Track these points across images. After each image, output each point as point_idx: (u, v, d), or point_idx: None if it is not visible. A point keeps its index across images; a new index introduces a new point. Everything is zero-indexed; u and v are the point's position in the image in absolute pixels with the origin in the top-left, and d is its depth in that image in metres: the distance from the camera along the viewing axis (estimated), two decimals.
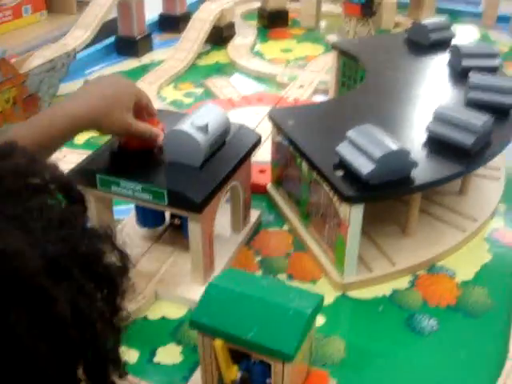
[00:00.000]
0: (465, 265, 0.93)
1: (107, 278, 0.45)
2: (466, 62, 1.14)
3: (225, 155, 0.86)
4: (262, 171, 1.13)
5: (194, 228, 0.81)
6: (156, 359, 0.78)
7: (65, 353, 0.40)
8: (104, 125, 0.77)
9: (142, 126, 0.82)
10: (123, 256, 0.49)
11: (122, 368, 0.49)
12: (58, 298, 0.39)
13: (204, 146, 0.82)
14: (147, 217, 0.94)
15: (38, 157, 0.47)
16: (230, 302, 0.65)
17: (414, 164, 0.83)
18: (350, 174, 0.83)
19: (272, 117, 1.01)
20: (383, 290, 0.88)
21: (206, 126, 0.82)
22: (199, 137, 0.81)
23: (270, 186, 1.09)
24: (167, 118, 0.90)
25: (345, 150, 0.85)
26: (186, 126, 0.82)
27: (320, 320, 0.83)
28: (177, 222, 0.96)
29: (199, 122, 0.82)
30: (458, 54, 1.15)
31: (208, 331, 0.65)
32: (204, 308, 0.65)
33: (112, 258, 0.47)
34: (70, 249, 0.42)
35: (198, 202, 0.77)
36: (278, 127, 0.99)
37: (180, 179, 0.80)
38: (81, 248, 0.42)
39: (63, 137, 0.75)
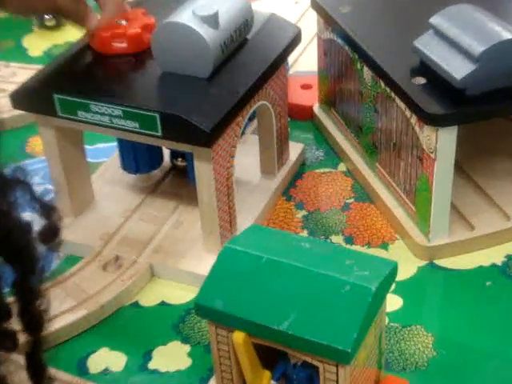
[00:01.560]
0: None
1: (9, 246, 0.42)
2: None
3: (246, 60, 0.84)
4: (305, 86, 1.11)
5: (203, 170, 0.79)
6: (152, 365, 0.77)
7: None
8: None
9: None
10: (47, 211, 0.46)
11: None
12: None
13: (214, 45, 0.79)
14: (136, 157, 0.93)
15: None
16: (255, 274, 0.63)
17: None
18: (437, 82, 0.80)
19: (316, 1, 0.97)
20: (492, 256, 0.86)
21: (215, 15, 0.79)
22: (205, 32, 0.78)
23: (317, 108, 1.07)
24: (157, 8, 0.88)
25: (428, 45, 0.81)
26: (184, 16, 0.79)
27: (395, 302, 0.81)
28: (180, 163, 0.95)
29: (204, 10, 0.79)
30: None
31: (223, 320, 0.63)
32: (216, 285, 0.64)
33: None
34: None
35: (207, 130, 0.75)
36: (327, 17, 0.96)
37: (180, 98, 0.78)
38: None
39: None
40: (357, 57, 0.90)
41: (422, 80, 0.81)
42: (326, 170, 1.00)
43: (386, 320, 0.77)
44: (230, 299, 0.63)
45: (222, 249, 0.65)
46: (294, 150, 0.99)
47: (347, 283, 0.60)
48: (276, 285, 0.62)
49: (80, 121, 0.80)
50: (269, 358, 0.65)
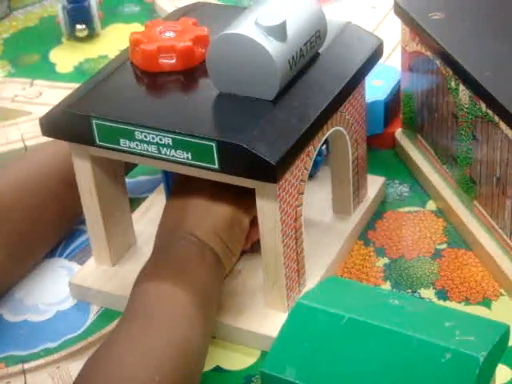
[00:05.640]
0: None
1: None
2: None
3: (318, 79, 0.84)
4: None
5: (267, 210, 0.79)
6: None
7: None
8: None
9: None
10: None
11: None
12: None
13: (280, 61, 0.79)
14: None
15: None
16: (334, 337, 0.63)
17: None
18: None
19: (400, 6, 0.97)
20: None
21: (283, 25, 0.80)
22: (271, 45, 0.79)
23: (400, 134, 1.07)
24: (209, 18, 0.89)
25: None
26: (246, 27, 0.80)
27: (503, 373, 0.79)
28: None
29: (269, 19, 0.80)
30: None
31: None
32: (287, 350, 0.64)
33: None
34: None
35: (273, 162, 0.75)
36: (415, 25, 0.96)
37: (240, 124, 0.79)
38: None
39: None
40: (451, 73, 0.90)
41: None
42: (412, 208, 0.99)
43: None
44: (303, 367, 0.62)
45: (294, 305, 0.65)
46: (373, 184, 0.99)
47: (448, 350, 0.60)
48: (360, 350, 0.62)
49: (122, 150, 0.81)
50: None
